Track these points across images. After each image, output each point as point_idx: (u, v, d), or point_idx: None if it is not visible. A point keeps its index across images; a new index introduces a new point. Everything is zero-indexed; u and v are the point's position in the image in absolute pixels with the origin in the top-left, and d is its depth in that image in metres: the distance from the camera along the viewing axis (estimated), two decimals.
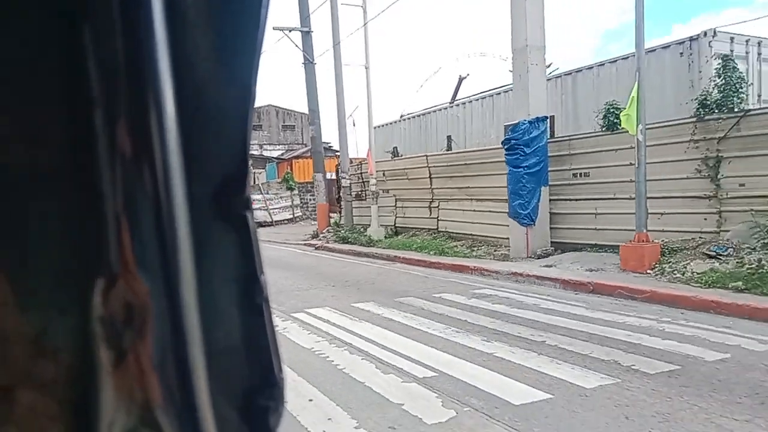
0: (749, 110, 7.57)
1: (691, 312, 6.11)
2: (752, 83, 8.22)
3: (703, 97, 7.87)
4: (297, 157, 35.01)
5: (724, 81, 7.66)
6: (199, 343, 0.39)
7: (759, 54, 9.86)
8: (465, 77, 21.87)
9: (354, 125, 25.21)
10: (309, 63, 17.42)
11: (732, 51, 9.45)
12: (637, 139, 7.79)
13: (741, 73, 7.78)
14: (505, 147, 10.20)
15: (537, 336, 5.33)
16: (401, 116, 21.66)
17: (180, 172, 0.39)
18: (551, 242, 10.29)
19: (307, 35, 17.36)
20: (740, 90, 7.59)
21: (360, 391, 4.05)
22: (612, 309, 6.42)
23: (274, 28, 16.85)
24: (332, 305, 7.17)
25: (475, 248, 11.62)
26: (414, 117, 19.43)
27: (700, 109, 7.89)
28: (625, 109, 7.90)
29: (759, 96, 9.83)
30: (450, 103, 18.88)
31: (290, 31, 17.05)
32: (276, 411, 0.45)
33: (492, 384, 4.04)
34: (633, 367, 4.31)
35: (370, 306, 7.07)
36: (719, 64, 7.84)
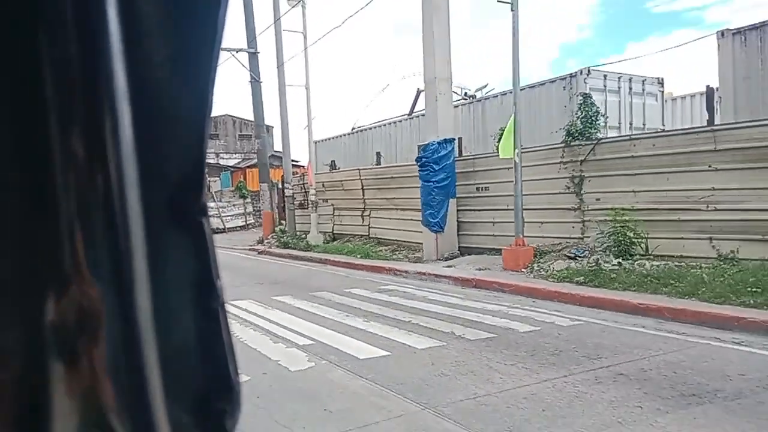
0: (601, 138, 9.24)
1: (540, 300, 7.64)
2: (607, 115, 9.88)
3: (569, 126, 9.51)
4: (251, 166, 35.93)
5: (583, 114, 9.32)
6: (153, 348, 0.39)
7: (630, 88, 11.66)
8: (423, 90, 23.41)
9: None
10: (255, 81, 18.69)
11: (605, 86, 11.23)
12: (515, 161, 9.37)
13: (598, 107, 9.44)
14: (418, 164, 11.70)
15: (407, 317, 6.75)
16: (353, 128, 23.08)
17: (135, 177, 0.38)
18: (459, 246, 11.81)
19: (253, 56, 18.63)
20: (596, 122, 9.26)
21: (251, 353, 5.38)
22: (481, 299, 7.91)
23: (221, 49, 18.02)
24: (254, 298, 8.46)
25: (397, 252, 13.07)
26: (353, 133, 20.89)
27: (567, 137, 9.53)
28: (505, 134, 9.46)
29: (631, 123, 11.63)
30: (408, 114, 20.34)
31: (237, 51, 18.27)
32: (232, 415, 0.45)
33: (350, 347, 5.43)
34: (462, 335, 5.77)
35: (286, 298, 8.39)
36: (580, 100, 9.50)
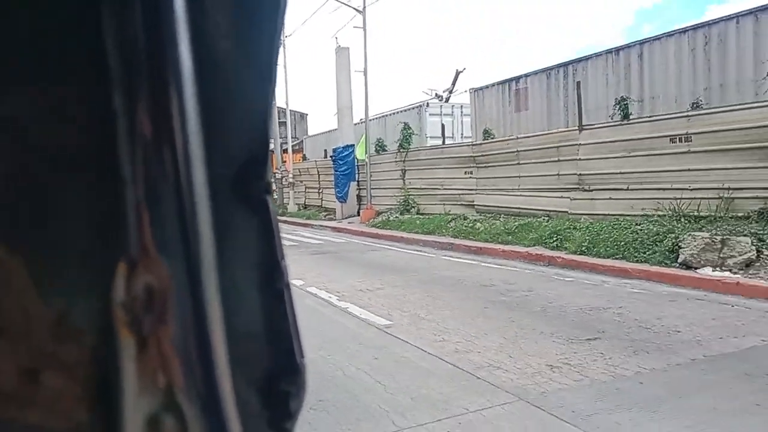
0: (411, 148, 16.21)
1: (352, 235, 14.84)
2: (422, 132, 16.68)
3: (398, 141, 16.54)
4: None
5: (403, 136, 16.30)
6: (220, 328, 0.40)
7: (462, 112, 18.40)
8: (462, 71, 28.43)
9: None
10: None
11: (441, 112, 18.04)
12: (366, 161, 16.54)
13: (411, 130, 16.36)
14: (332, 160, 19.04)
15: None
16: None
17: (201, 154, 0.39)
18: (359, 210, 19.06)
19: None
20: (410, 140, 16.21)
21: None
22: (327, 235, 15.20)
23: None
24: None
25: (329, 215, 20.46)
26: (324, 133, 28.34)
27: (399, 147, 16.58)
28: (359, 144, 16.61)
29: (462, 135, 18.37)
30: (449, 92, 26.02)
31: None
32: (297, 396, 0.46)
33: None
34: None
35: None
36: (403, 127, 16.46)
